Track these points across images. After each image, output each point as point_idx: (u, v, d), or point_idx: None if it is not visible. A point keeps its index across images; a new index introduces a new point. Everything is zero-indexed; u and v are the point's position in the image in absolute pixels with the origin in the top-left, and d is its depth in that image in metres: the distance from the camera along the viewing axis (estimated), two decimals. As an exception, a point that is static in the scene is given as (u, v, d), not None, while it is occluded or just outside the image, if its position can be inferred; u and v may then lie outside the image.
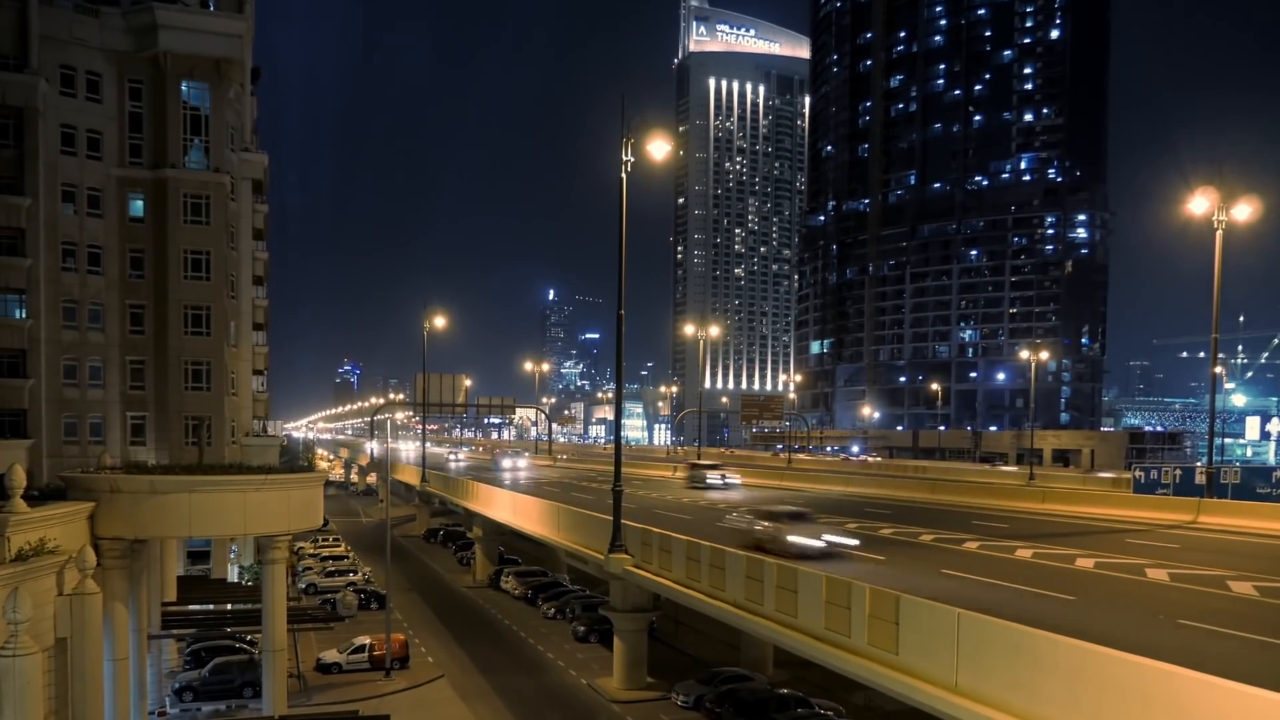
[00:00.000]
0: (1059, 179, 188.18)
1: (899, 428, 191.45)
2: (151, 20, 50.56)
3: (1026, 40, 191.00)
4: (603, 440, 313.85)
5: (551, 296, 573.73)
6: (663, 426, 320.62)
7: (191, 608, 43.91)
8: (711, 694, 38.54)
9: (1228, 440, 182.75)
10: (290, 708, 35.58)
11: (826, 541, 31.64)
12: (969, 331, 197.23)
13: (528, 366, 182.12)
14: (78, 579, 25.60)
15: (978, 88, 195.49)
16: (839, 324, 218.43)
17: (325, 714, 37.24)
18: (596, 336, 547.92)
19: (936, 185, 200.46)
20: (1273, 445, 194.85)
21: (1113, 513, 46.31)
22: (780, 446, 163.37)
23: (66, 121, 49.00)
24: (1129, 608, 23.72)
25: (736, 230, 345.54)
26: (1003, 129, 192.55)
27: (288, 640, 36.47)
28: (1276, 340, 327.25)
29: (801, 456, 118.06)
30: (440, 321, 77.91)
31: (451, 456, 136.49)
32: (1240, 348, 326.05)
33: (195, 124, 52.52)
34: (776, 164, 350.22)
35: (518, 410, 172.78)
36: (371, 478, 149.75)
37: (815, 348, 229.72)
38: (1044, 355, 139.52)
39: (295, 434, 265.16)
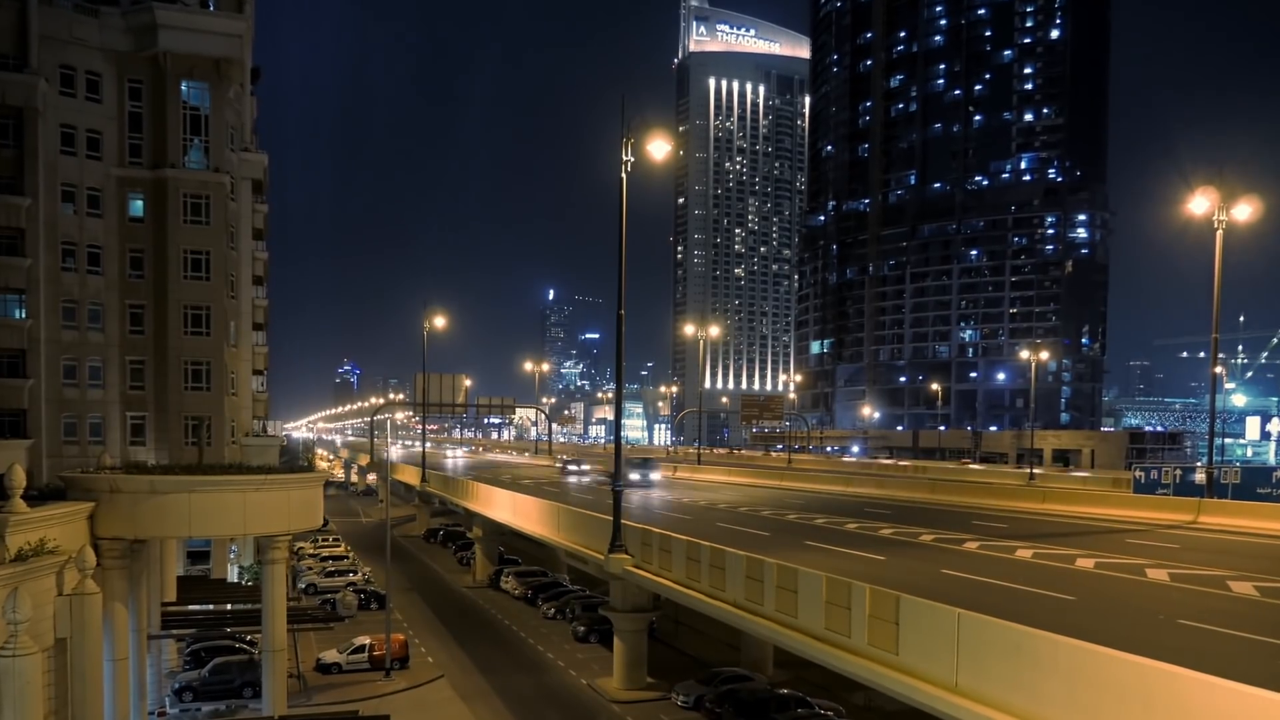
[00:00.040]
0: (1059, 179, 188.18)
1: (899, 428, 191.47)
2: (151, 20, 50.54)
3: (1026, 40, 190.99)
4: (603, 440, 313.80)
5: (551, 296, 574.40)
6: (663, 426, 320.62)
7: (191, 608, 43.87)
8: (711, 694, 38.52)
9: (1228, 440, 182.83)
10: (290, 708, 35.56)
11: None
12: (969, 331, 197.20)
13: (528, 366, 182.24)
14: (77, 579, 25.58)
15: (978, 88, 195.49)
16: (839, 324, 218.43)
17: (325, 714, 37.22)
18: (596, 336, 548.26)
19: (936, 185, 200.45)
20: (1273, 445, 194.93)
21: (1113, 513, 46.31)
22: (780, 446, 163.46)
23: (66, 121, 48.98)
24: (1129, 608, 23.71)
25: (736, 230, 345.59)
26: (1003, 129, 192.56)
27: (287, 640, 36.44)
28: (1276, 340, 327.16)
29: (802, 457, 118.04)
30: (440, 321, 77.98)
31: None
32: (1240, 348, 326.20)
33: (195, 124, 52.49)
34: (776, 164, 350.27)
35: (518, 410, 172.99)
36: (371, 478, 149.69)
37: (815, 348, 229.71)
38: (1044, 355, 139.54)
39: (295, 434, 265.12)
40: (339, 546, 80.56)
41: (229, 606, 44.98)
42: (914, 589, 22.12)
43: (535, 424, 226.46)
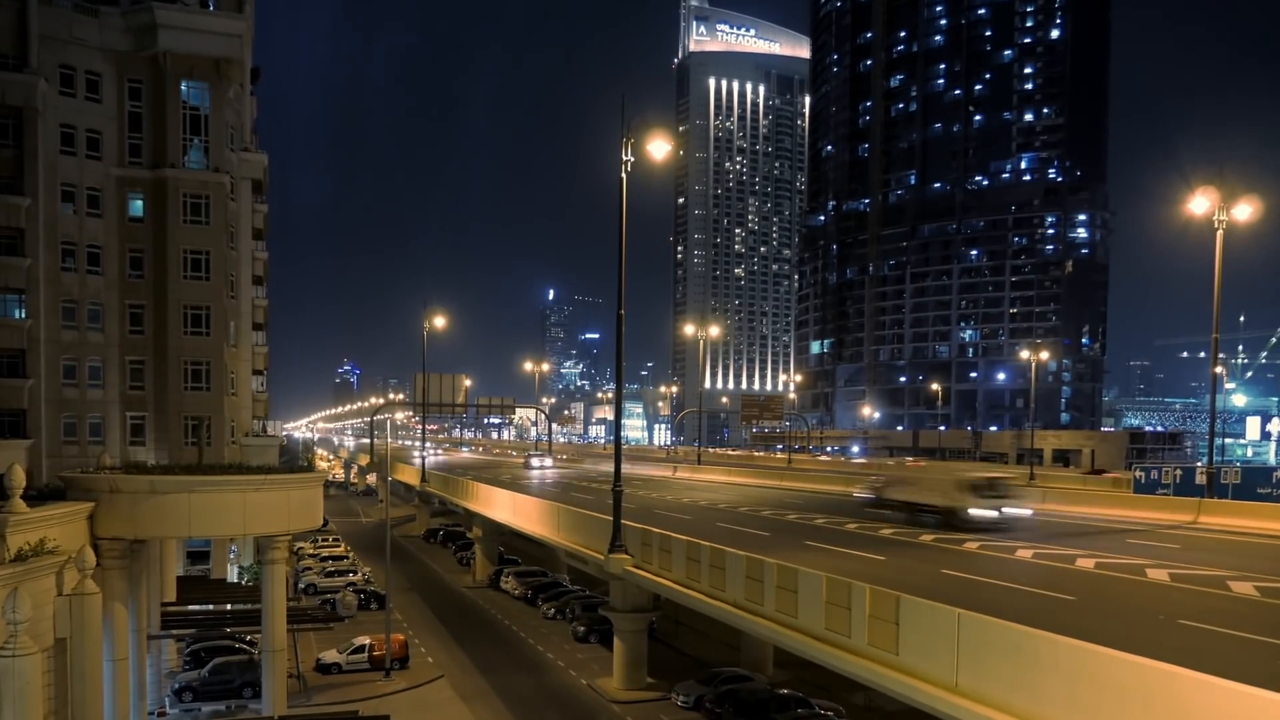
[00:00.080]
0: (1059, 179, 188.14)
1: (899, 428, 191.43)
2: (151, 20, 50.54)
3: (1027, 40, 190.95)
4: (603, 440, 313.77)
5: (551, 296, 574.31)
6: (663, 426, 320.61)
7: (191, 608, 43.86)
8: (711, 694, 38.51)
9: (1228, 440, 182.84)
10: (290, 708, 35.56)
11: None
12: (969, 331, 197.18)
13: (528, 366, 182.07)
14: (77, 579, 25.57)
15: (978, 87, 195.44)
16: (839, 324, 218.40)
17: (325, 714, 37.22)
18: (596, 336, 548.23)
19: (937, 185, 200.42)
20: (1273, 445, 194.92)
21: (1113, 513, 46.31)
22: (780, 447, 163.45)
23: (66, 121, 48.97)
24: (1129, 608, 23.70)
25: (736, 230, 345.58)
26: (1003, 129, 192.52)
27: (287, 640, 36.44)
28: (1275, 340, 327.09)
29: (801, 457, 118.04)
30: (440, 321, 77.89)
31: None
32: (1241, 348, 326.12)
33: (195, 124, 52.49)
34: (776, 164, 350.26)
35: (518, 410, 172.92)
36: (371, 478, 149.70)
37: (815, 348, 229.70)
38: (1044, 355, 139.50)
39: (295, 434, 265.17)
40: (339, 546, 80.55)
41: (229, 606, 44.97)
42: (914, 589, 22.12)
43: (535, 424, 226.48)
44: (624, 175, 35.09)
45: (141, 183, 51.29)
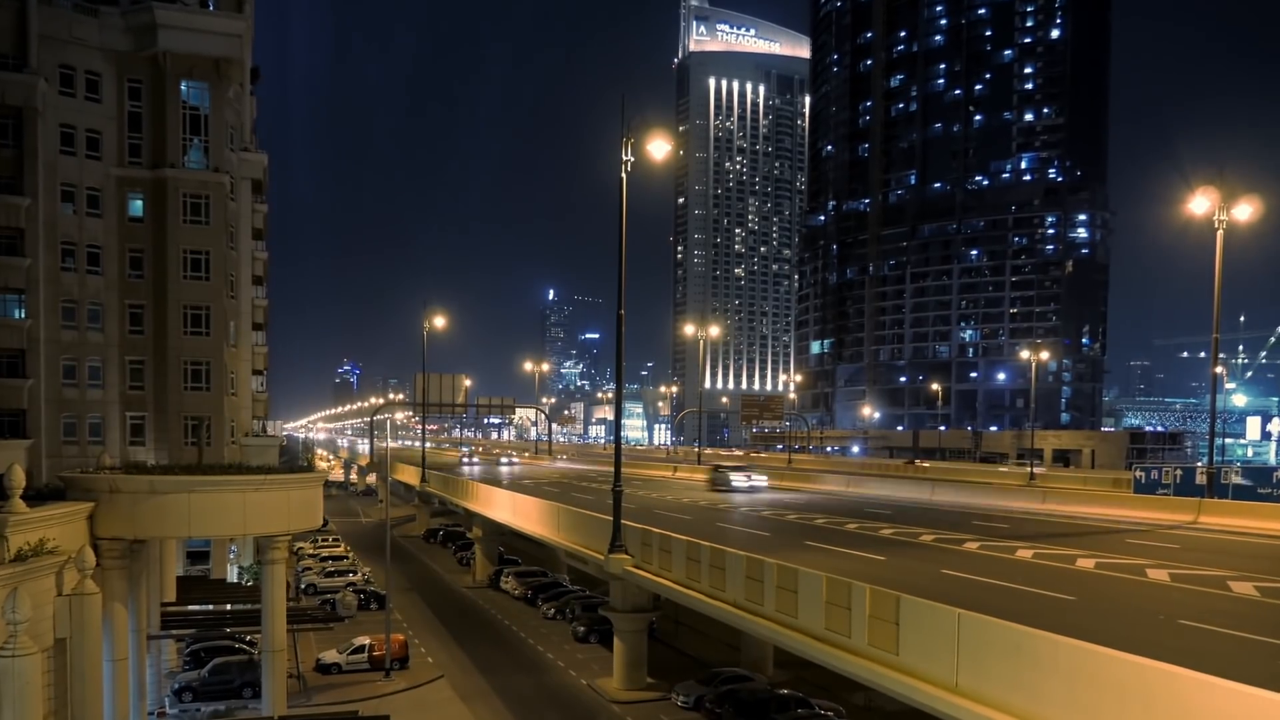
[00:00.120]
0: (1059, 179, 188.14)
1: (899, 428, 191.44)
2: (151, 20, 50.52)
3: (1027, 40, 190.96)
4: (603, 440, 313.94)
5: (551, 296, 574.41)
6: (663, 426, 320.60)
7: (191, 608, 43.85)
8: (711, 694, 38.50)
9: (1228, 440, 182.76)
10: (290, 708, 35.54)
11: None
12: (969, 331, 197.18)
13: (528, 366, 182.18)
14: (77, 579, 25.55)
15: (978, 87, 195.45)
16: (839, 324, 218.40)
17: (325, 714, 37.21)
18: (596, 336, 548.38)
19: (937, 185, 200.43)
20: (1273, 445, 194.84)
21: (1113, 513, 46.30)
22: (780, 446, 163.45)
23: (66, 121, 48.96)
24: (1129, 608, 23.68)
25: (736, 230, 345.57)
26: (1003, 129, 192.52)
27: (287, 640, 36.42)
28: (1274, 339, 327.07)
29: (801, 456, 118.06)
30: (440, 321, 77.88)
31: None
32: (1241, 348, 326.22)
33: (195, 124, 52.48)
34: (776, 164, 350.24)
35: (518, 410, 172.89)
36: (371, 478, 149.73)
37: (815, 348, 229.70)
38: (1044, 355, 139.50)
39: (295, 434, 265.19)
40: (339, 547, 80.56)
41: (229, 607, 44.96)
42: (914, 589, 22.10)
43: (535, 424, 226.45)
44: (624, 175, 35.08)
45: (141, 183, 51.28)
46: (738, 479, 63.89)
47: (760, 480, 64.84)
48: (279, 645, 33.75)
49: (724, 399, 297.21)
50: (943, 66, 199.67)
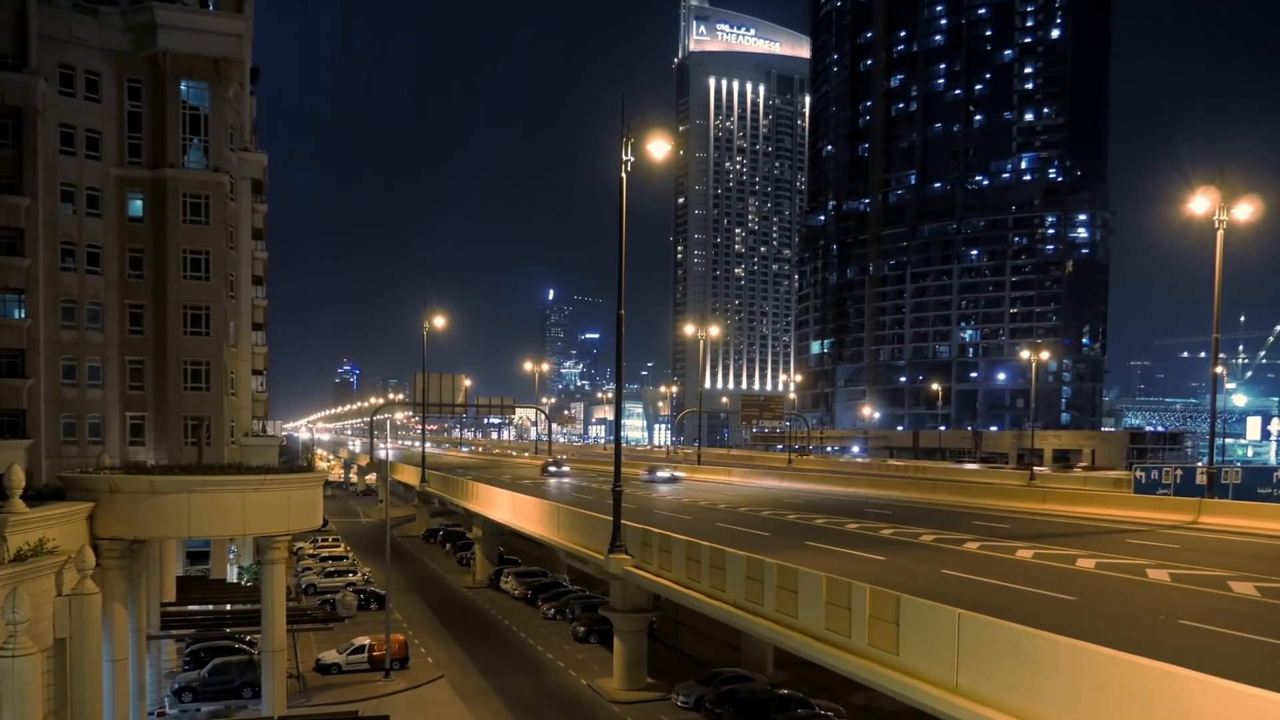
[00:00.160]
0: (1060, 179, 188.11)
1: (899, 428, 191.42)
2: (150, 20, 50.50)
3: (1027, 40, 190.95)
4: (603, 440, 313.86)
5: (551, 296, 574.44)
6: (663, 426, 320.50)
7: (191, 608, 43.84)
8: (711, 694, 38.49)
9: (1229, 440, 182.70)
10: (289, 708, 35.54)
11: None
12: (969, 331, 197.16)
13: (528, 366, 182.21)
14: (77, 579, 25.54)
15: (978, 87, 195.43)
16: (839, 324, 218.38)
17: (325, 714, 37.21)
18: (596, 336, 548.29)
19: (937, 185, 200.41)
20: (1274, 445, 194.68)
21: (1113, 513, 46.27)
22: (780, 446, 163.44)
23: (65, 121, 48.94)
24: (1130, 608, 23.68)
25: (736, 230, 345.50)
26: (1003, 128, 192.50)
27: (287, 641, 36.42)
28: (1272, 339, 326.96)
29: (802, 457, 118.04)
30: (440, 321, 77.89)
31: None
32: (1241, 348, 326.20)
33: (194, 123, 52.47)
34: (776, 164, 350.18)
35: (517, 410, 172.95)
36: (371, 478, 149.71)
37: (815, 348, 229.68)
38: (1044, 355, 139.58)
39: (295, 434, 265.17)
40: (339, 547, 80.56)
41: (228, 607, 44.96)
42: (914, 589, 22.09)
43: (535, 424, 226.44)
44: (624, 175, 35.07)
45: (141, 182, 51.26)
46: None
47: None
48: (279, 645, 33.74)
49: (724, 399, 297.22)
50: (943, 66, 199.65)
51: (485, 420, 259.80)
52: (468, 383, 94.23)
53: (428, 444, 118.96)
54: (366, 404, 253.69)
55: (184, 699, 39.18)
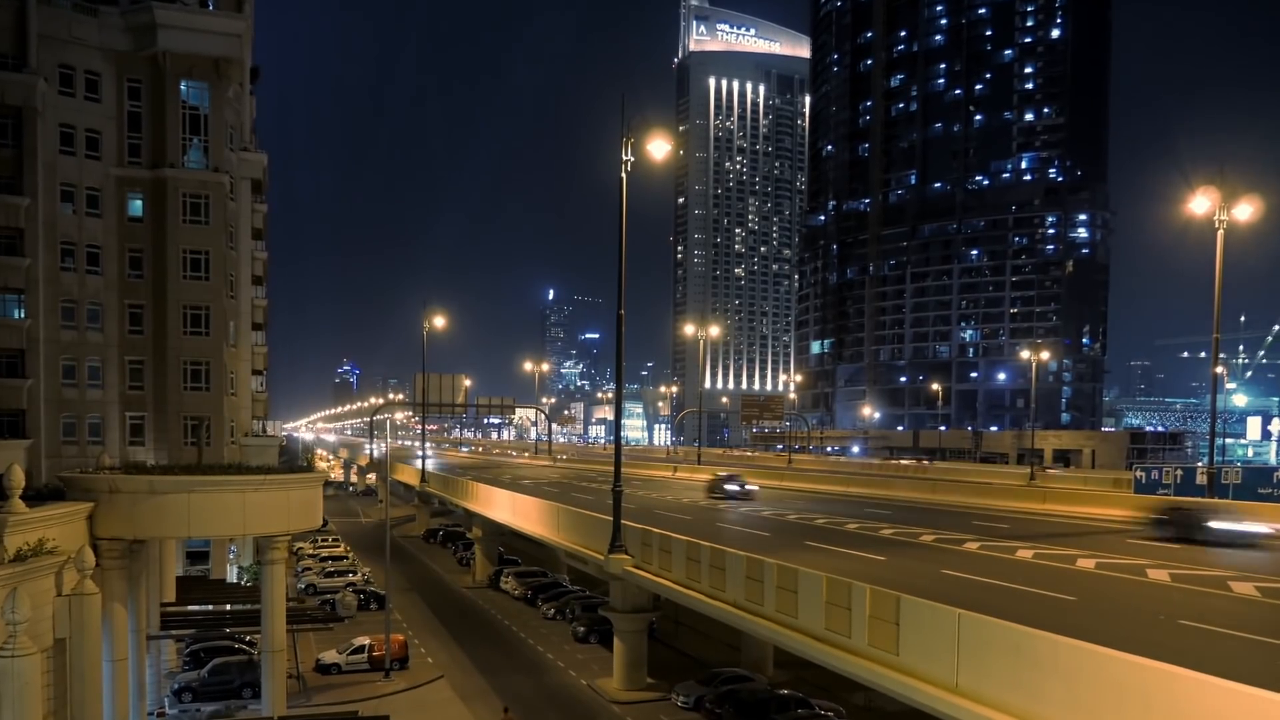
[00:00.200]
0: (1060, 178, 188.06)
1: (899, 428, 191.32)
2: (150, 19, 50.49)
3: (1027, 40, 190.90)
4: (602, 440, 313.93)
5: (551, 296, 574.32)
6: (663, 426, 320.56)
7: (190, 608, 43.83)
8: (711, 694, 38.48)
9: (1229, 440, 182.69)
10: (289, 708, 35.53)
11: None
12: (969, 331, 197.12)
13: (527, 366, 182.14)
14: (76, 579, 25.53)
15: (978, 87, 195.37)
16: (839, 324, 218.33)
17: (324, 714, 37.20)
18: (596, 336, 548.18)
19: (937, 185, 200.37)
20: (1274, 445, 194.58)
21: (1114, 513, 46.24)
22: (780, 446, 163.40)
23: (65, 121, 48.93)
24: (1130, 608, 23.67)
25: (736, 230, 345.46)
26: (1003, 128, 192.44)
27: (287, 641, 36.41)
28: (1270, 338, 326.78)
29: (802, 457, 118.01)
30: (440, 321, 77.89)
31: None
32: (1241, 348, 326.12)
33: (194, 123, 52.46)
34: (776, 164, 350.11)
35: (517, 410, 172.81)
36: (371, 478, 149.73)
37: (815, 348, 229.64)
38: (1045, 355, 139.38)
39: (295, 434, 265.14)
40: (338, 547, 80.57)
41: (228, 607, 44.95)
42: (914, 589, 22.08)
43: (535, 424, 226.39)
44: (624, 175, 35.06)
45: (141, 182, 51.25)
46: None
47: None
48: (279, 645, 33.73)
49: (724, 399, 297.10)
50: (943, 66, 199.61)
51: (485, 420, 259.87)
52: (468, 383, 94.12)
53: (428, 445, 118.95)
54: (366, 404, 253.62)
55: (184, 699, 39.19)
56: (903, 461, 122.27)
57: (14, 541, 23.26)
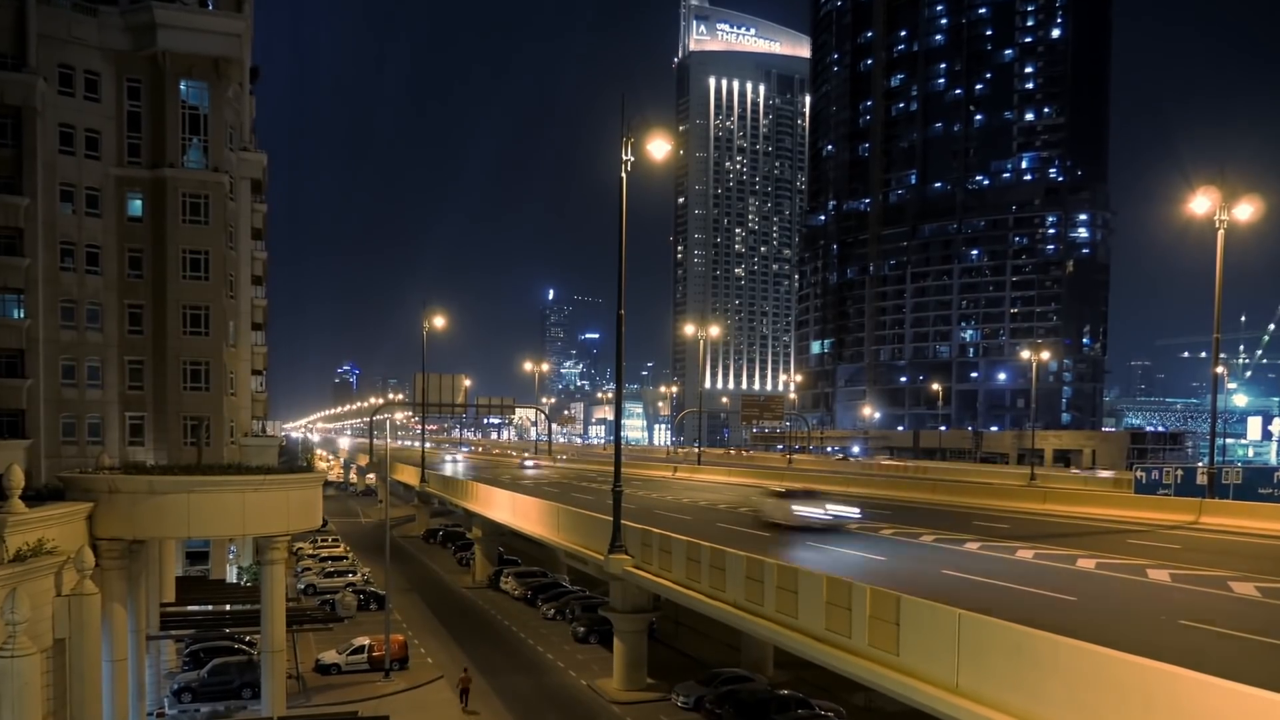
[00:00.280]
0: (1060, 178, 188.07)
1: (900, 428, 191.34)
2: (150, 19, 50.47)
3: (1027, 39, 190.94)
4: (602, 440, 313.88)
5: (551, 296, 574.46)
6: (663, 426, 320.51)
7: (190, 608, 43.81)
8: (711, 695, 38.46)
9: (1229, 440, 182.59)
10: (289, 709, 35.51)
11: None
12: (970, 331, 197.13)
13: (527, 366, 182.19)
14: (76, 580, 25.51)
15: (979, 87, 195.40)
16: (839, 324, 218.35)
17: (324, 715, 37.18)
18: (596, 336, 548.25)
19: (937, 185, 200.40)
20: (1274, 445, 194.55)
21: (1114, 513, 46.21)
22: (780, 447, 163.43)
23: (65, 121, 48.90)
24: (1130, 608, 23.63)
25: (736, 230, 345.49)
26: (1004, 128, 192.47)
27: (287, 641, 36.41)
28: (1268, 338, 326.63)
29: (802, 457, 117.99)
30: (440, 321, 77.90)
31: None
32: (1242, 348, 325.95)
33: (194, 123, 52.44)
34: (777, 163, 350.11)
35: (517, 410, 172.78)
36: (371, 478, 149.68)
37: (815, 348, 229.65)
38: (1045, 355, 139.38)
39: (295, 434, 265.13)
40: (338, 547, 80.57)
41: (228, 607, 44.94)
42: (915, 589, 22.05)
43: (535, 424, 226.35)
44: (624, 175, 35.03)
45: (140, 182, 51.22)
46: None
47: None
48: (278, 646, 33.72)
49: (724, 399, 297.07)
50: (943, 66, 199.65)
51: (485, 420, 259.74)
52: (467, 383, 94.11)
53: (428, 444, 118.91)
54: (366, 404, 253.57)
55: (183, 699, 39.18)
56: (885, 460, 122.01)
57: (14, 541, 23.24)
